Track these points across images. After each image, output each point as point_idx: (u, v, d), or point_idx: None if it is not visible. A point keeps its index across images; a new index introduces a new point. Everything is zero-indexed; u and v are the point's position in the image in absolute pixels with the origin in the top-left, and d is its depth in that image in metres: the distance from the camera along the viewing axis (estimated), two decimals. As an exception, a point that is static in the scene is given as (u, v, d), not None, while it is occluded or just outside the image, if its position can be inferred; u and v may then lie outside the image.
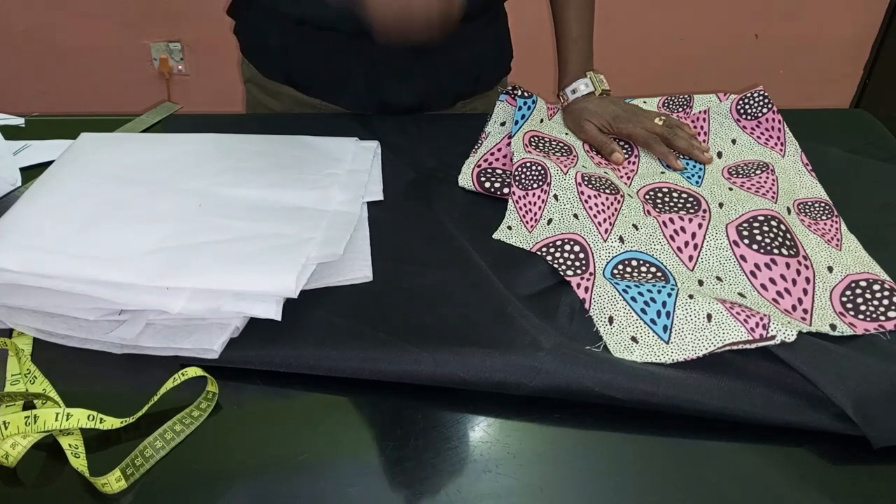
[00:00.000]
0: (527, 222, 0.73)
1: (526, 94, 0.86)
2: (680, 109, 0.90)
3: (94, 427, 0.52)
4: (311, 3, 0.84)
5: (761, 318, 0.57)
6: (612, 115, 0.85)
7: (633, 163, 0.83)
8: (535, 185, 0.75)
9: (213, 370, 0.56)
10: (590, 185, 0.74)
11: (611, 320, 0.61)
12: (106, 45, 1.98)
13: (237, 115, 0.99)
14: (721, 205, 0.73)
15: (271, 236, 0.65)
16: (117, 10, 1.94)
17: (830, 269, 0.67)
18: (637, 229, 0.71)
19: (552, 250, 0.69)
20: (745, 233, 0.68)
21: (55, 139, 0.85)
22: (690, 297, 0.60)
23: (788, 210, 0.73)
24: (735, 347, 0.57)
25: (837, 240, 0.71)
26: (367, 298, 0.64)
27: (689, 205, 0.73)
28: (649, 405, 0.55)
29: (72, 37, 1.96)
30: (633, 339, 0.59)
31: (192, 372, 0.56)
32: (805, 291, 0.65)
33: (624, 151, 0.84)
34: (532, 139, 0.82)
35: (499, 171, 0.80)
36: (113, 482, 0.50)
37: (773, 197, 0.74)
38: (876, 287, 0.65)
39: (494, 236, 0.72)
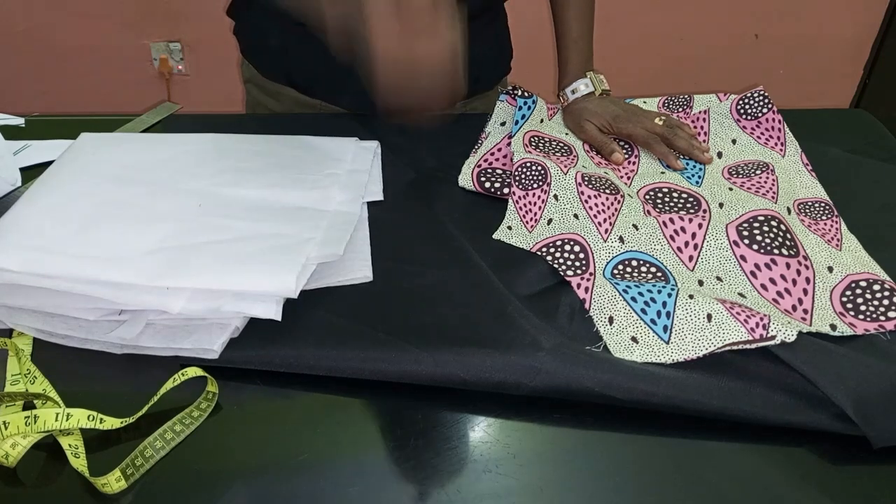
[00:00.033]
0: (527, 222, 0.73)
1: (526, 94, 0.86)
2: (680, 109, 0.90)
3: (94, 427, 0.52)
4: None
5: (761, 319, 0.57)
6: (612, 115, 0.85)
7: (634, 163, 0.83)
8: (535, 185, 0.75)
9: (213, 370, 0.56)
10: (590, 185, 0.74)
11: (611, 320, 0.61)
12: (106, 45, 1.98)
13: (237, 115, 0.99)
14: (721, 205, 0.73)
15: (271, 236, 0.65)
16: (117, 10, 1.94)
17: (830, 269, 0.67)
18: (637, 229, 0.71)
19: (552, 250, 0.69)
20: (746, 233, 0.68)
21: (55, 139, 0.85)
22: (690, 297, 0.60)
23: (788, 210, 0.73)
24: (735, 347, 0.57)
25: (837, 240, 0.71)
26: (367, 298, 0.64)
27: (689, 205, 0.73)
28: (649, 405, 0.55)
29: (72, 37, 1.96)
30: (634, 339, 0.59)
31: (192, 372, 0.56)
32: (805, 291, 0.65)
33: (624, 151, 0.84)
34: (532, 139, 0.82)
35: (499, 171, 0.80)
36: (113, 482, 0.50)
37: (773, 197, 0.74)
38: (876, 287, 0.65)
39: (494, 236, 0.72)
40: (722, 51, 2.11)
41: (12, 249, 0.61)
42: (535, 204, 0.74)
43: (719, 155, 0.83)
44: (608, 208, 0.72)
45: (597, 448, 0.55)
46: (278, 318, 0.58)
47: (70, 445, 0.51)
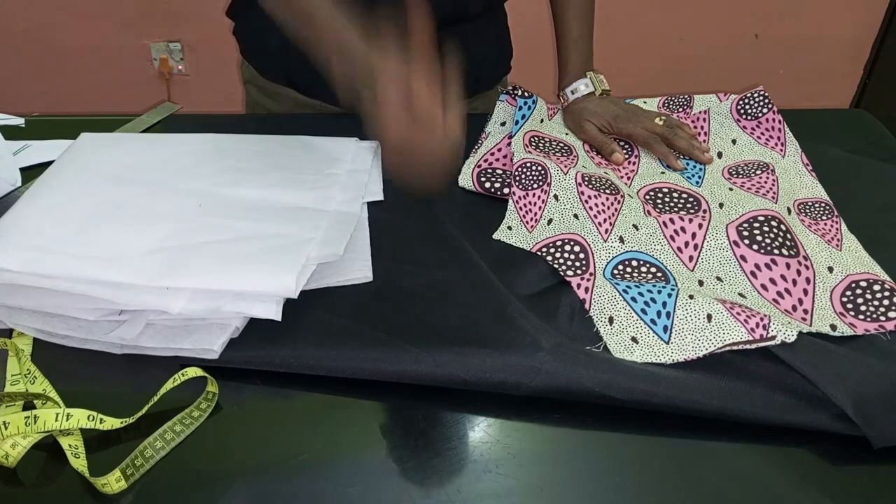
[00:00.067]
0: (527, 222, 0.73)
1: (526, 94, 0.86)
2: (680, 109, 0.90)
3: (94, 427, 0.52)
4: None
5: (761, 319, 0.57)
6: (612, 115, 0.85)
7: (634, 163, 0.83)
8: (535, 186, 0.75)
9: (213, 370, 0.56)
10: (590, 186, 0.74)
11: (611, 320, 0.61)
12: (106, 45, 1.98)
13: (237, 115, 0.99)
14: (721, 205, 0.73)
15: (271, 236, 0.65)
16: (117, 10, 1.94)
17: (831, 269, 0.67)
18: (637, 229, 0.71)
19: (552, 250, 0.69)
20: (746, 233, 0.68)
21: (55, 139, 0.85)
22: (691, 297, 0.60)
23: (789, 210, 0.73)
24: (735, 348, 0.57)
25: (838, 240, 0.71)
26: (367, 298, 0.64)
27: (689, 205, 0.73)
28: (649, 405, 0.55)
29: (72, 37, 1.96)
30: (634, 339, 0.59)
31: (192, 372, 0.56)
32: (805, 292, 0.65)
33: (624, 151, 0.84)
34: (532, 139, 0.82)
35: (499, 172, 0.80)
36: (113, 482, 0.50)
37: (773, 197, 0.74)
38: (876, 287, 0.65)
39: (494, 236, 0.72)
40: (722, 51, 2.11)
41: (12, 249, 0.61)
42: (535, 204, 0.74)
43: (719, 155, 0.83)
44: (608, 208, 0.72)
45: (597, 448, 0.55)
46: (278, 318, 0.58)
47: (70, 445, 0.51)
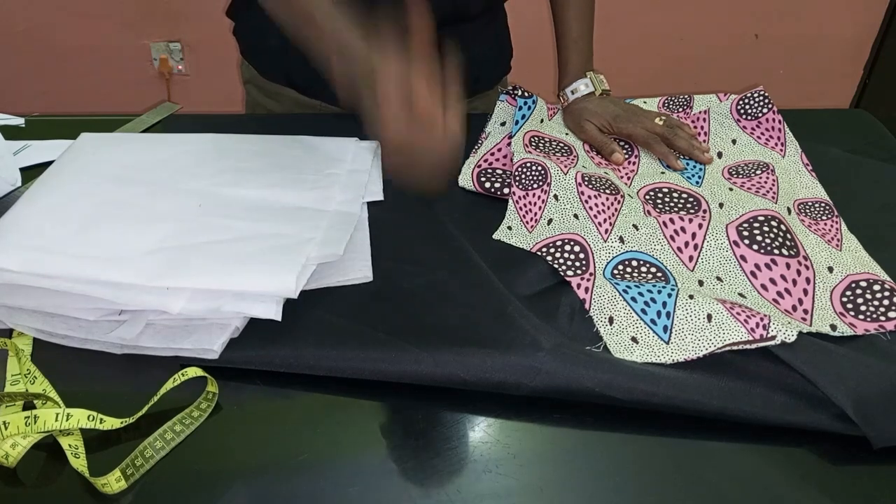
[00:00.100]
0: (527, 222, 0.73)
1: (526, 94, 0.86)
2: (680, 109, 0.90)
3: (94, 427, 0.52)
4: None
5: (761, 319, 0.57)
6: (612, 115, 0.85)
7: (634, 163, 0.83)
8: (535, 186, 0.75)
9: (213, 370, 0.56)
10: (590, 186, 0.74)
11: (611, 320, 0.61)
12: (106, 45, 1.98)
13: (237, 115, 0.99)
14: (721, 205, 0.73)
15: (271, 236, 0.65)
16: (117, 10, 1.94)
17: (831, 269, 0.67)
18: (637, 229, 0.71)
19: (552, 250, 0.69)
20: (746, 233, 0.68)
21: (55, 139, 0.85)
22: (691, 297, 0.60)
23: (789, 210, 0.73)
24: (735, 348, 0.57)
25: (838, 240, 0.71)
26: (367, 298, 0.64)
27: (689, 205, 0.73)
28: (649, 405, 0.55)
29: (72, 37, 1.96)
30: (634, 339, 0.59)
31: (192, 372, 0.56)
32: (805, 292, 0.65)
33: (624, 151, 0.84)
34: (532, 139, 0.82)
35: (499, 172, 0.80)
36: (113, 482, 0.50)
37: (773, 197, 0.74)
38: (876, 287, 0.65)
39: (494, 236, 0.72)
40: (722, 51, 2.11)
41: (12, 249, 0.61)
42: (535, 204, 0.74)
43: (719, 155, 0.83)
44: (608, 208, 0.72)
45: (597, 448, 0.55)
46: (278, 318, 0.58)
47: (70, 445, 0.51)
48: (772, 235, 0.67)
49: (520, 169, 0.76)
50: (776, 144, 0.84)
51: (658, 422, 0.56)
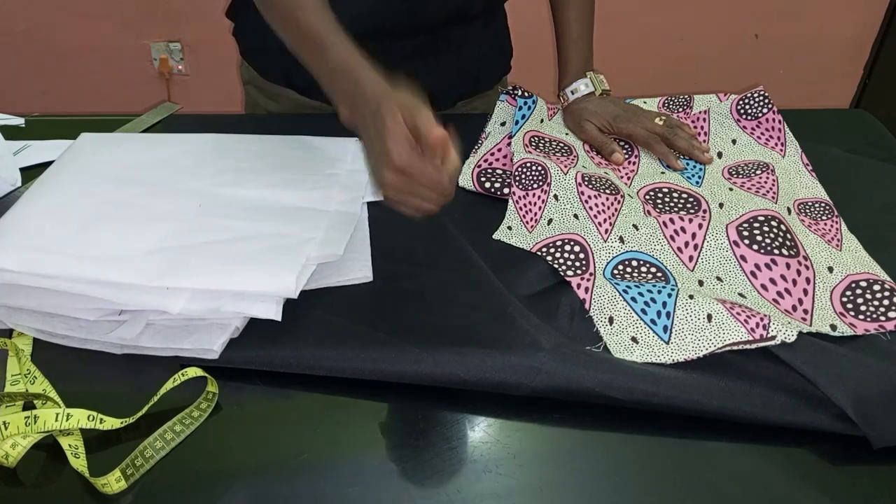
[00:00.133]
0: (527, 222, 0.73)
1: (526, 94, 0.86)
2: (680, 109, 0.90)
3: (94, 427, 0.52)
4: None
5: (761, 319, 0.57)
6: (612, 115, 0.85)
7: (634, 163, 0.83)
8: (535, 186, 0.75)
9: (213, 370, 0.56)
10: (590, 186, 0.74)
11: (611, 320, 0.61)
12: (106, 45, 1.98)
13: (237, 116, 0.99)
14: (721, 205, 0.73)
15: (271, 236, 0.65)
16: (117, 10, 1.94)
17: (831, 269, 0.67)
18: (637, 229, 0.71)
19: (552, 250, 0.69)
20: (746, 233, 0.68)
21: (55, 139, 0.85)
22: (691, 297, 0.60)
23: (789, 210, 0.73)
24: (735, 348, 0.57)
25: (838, 240, 0.71)
26: (367, 298, 0.64)
27: (689, 205, 0.73)
28: (649, 405, 0.55)
29: (72, 37, 1.96)
30: (634, 339, 0.59)
31: (192, 372, 0.56)
32: (805, 292, 0.65)
33: (624, 152, 0.84)
34: (532, 139, 0.82)
35: (499, 172, 0.80)
36: (113, 482, 0.50)
37: (773, 197, 0.74)
38: (876, 287, 0.65)
39: (494, 236, 0.72)
40: (722, 51, 2.11)
41: (12, 249, 0.61)
42: (535, 204, 0.74)
43: (719, 155, 0.83)
44: (608, 208, 0.72)
45: (597, 448, 0.55)
46: (278, 318, 0.58)
47: (70, 445, 0.51)
48: (772, 235, 0.67)
49: (520, 169, 0.76)
50: (776, 144, 0.84)
51: (658, 422, 0.56)
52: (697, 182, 0.78)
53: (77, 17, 1.93)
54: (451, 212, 0.75)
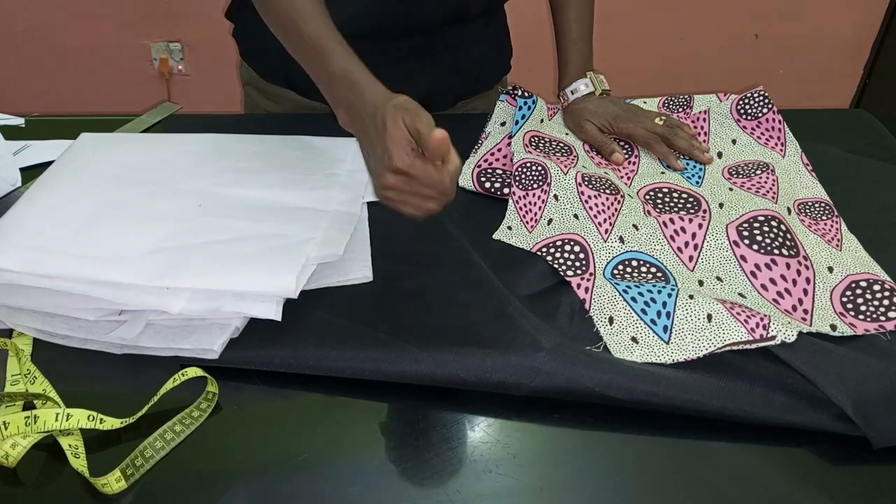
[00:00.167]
0: (527, 222, 0.73)
1: (526, 94, 0.86)
2: (680, 109, 0.90)
3: (94, 427, 0.52)
4: None
5: (762, 319, 0.57)
6: (612, 115, 0.85)
7: (634, 163, 0.83)
8: (535, 186, 0.75)
9: (213, 370, 0.56)
10: (590, 186, 0.74)
11: (611, 320, 0.61)
12: (106, 45, 1.98)
13: (237, 116, 0.99)
14: (721, 205, 0.73)
15: (271, 236, 0.65)
16: (117, 10, 1.94)
17: (831, 269, 0.67)
18: (637, 229, 0.71)
19: (552, 250, 0.69)
20: (746, 233, 0.68)
21: (55, 139, 0.85)
22: (691, 297, 0.60)
23: (789, 210, 0.73)
24: (735, 348, 0.57)
25: (838, 240, 0.71)
26: (367, 298, 0.64)
27: (689, 205, 0.73)
28: (649, 405, 0.55)
29: (72, 37, 1.96)
30: (634, 339, 0.59)
31: (192, 372, 0.56)
32: (805, 292, 0.65)
33: (624, 151, 0.84)
34: (532, 139, 0.82)
35: (499, 172, 0.80)
36: (113, 482, 0.50)
37: (773, 197, 0.74)
38: (876, 287, 0.65)
39: (494, 236, 0.72)
40: (722, 51, 2.11)
41: (12, 249, 0.61)
42: (535, 204, 0.74)
43: (719, 155, 0.83)
44: (608, 208, 0.72)
45: (597, 448, 0.55)
46: (278, 318, 0.58)
47: (70, 445, 0.51)
48: (772, 235, 0.67)
49: (520, 169, 0.76)
50: (776, 144, 0.84)
51: (658, 422, 0.56)
52: (697, 182, 0.78)
53: (77, 17, 1.94)
54: (451, 212, 0.75)
